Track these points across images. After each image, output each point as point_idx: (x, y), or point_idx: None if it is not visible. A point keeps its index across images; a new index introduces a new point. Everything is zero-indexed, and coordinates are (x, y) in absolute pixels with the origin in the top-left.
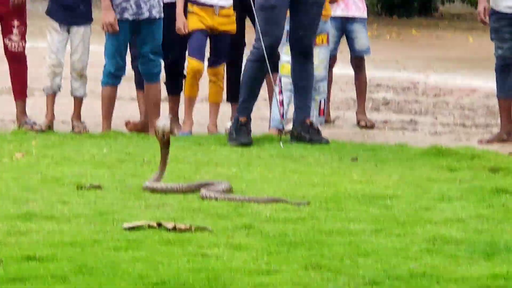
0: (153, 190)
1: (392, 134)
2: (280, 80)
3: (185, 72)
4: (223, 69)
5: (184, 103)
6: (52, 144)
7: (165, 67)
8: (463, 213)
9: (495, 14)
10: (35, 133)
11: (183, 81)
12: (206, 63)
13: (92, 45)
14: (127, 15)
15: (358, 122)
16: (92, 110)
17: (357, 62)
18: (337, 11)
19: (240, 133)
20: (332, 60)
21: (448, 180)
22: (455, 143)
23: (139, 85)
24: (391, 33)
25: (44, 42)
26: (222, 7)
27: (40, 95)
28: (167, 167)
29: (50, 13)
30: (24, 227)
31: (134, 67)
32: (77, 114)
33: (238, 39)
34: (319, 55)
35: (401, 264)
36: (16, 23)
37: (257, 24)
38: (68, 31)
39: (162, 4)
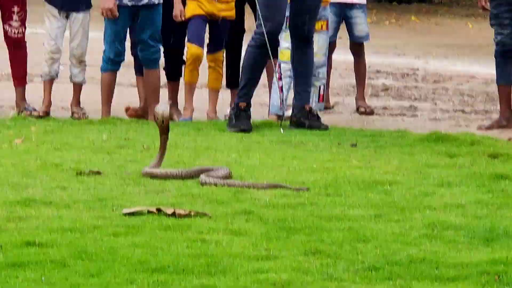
0: (153, 176)
1: (392, 120)
2: (279, 66)
3: (184, 58)
4: (222, 55)
5: (184, 89)
6: (52, 130)
7: (164, 53)
8: (462, 198)
9: (495, 0)
10: (34, 119)
11: (183, 67)
12: (205, 49)
13: (92, 31)
14: (126, 1)
15: (358, 108)
16: (92, 96)
17: (357, 48)
18: None
19: (240, 119)
20: (332, 46)
21: (448, 166)
22: (454, 129)
23: (139, 71)
24: (391, 19)
25: (44, 28)
26: None
27: (39, 81)
28: (166, 153)
29: None
30: (24, 212)
31: (134, 53)
32: (76, 100)
33: (237, 25)
34: (319, 41)
35: (400, 250)
36: (16, 9)
37: (259, 9)
38: (67, 17)
39: None
